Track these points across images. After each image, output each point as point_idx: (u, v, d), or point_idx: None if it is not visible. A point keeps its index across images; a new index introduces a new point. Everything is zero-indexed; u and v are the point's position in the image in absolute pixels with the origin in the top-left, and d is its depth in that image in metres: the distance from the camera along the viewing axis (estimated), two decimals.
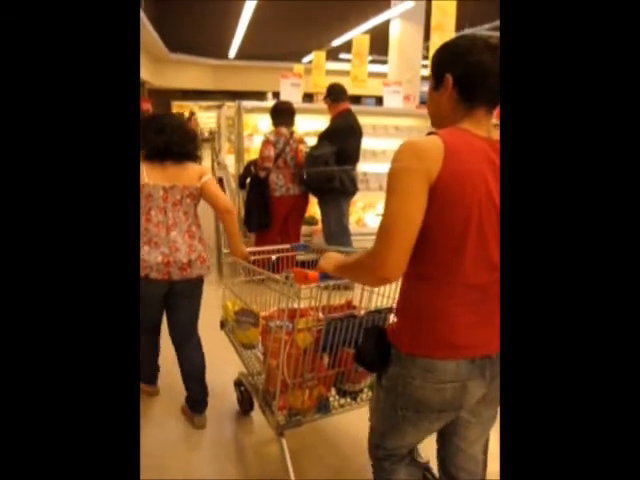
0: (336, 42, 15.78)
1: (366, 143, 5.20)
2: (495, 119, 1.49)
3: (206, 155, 18.12)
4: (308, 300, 2.00)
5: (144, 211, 2.49)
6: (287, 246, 2.78)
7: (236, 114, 5.53)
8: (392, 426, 1.55)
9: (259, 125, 6.28)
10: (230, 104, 12.68)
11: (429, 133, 1.34)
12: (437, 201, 1.27)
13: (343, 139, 4.69)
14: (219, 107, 17.26)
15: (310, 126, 6.01)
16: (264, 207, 4.75)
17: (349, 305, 2.27)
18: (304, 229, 5.29)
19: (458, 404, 1.42)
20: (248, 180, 4.96)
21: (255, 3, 11.77)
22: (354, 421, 2.48)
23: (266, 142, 4.68)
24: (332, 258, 1.65)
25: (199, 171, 2.62)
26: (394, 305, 2.10)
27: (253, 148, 5.81)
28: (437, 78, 1.41)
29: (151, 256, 2.44)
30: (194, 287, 2.65)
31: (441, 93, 1.40)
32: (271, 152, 4.65)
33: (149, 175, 2.50)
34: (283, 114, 4.79)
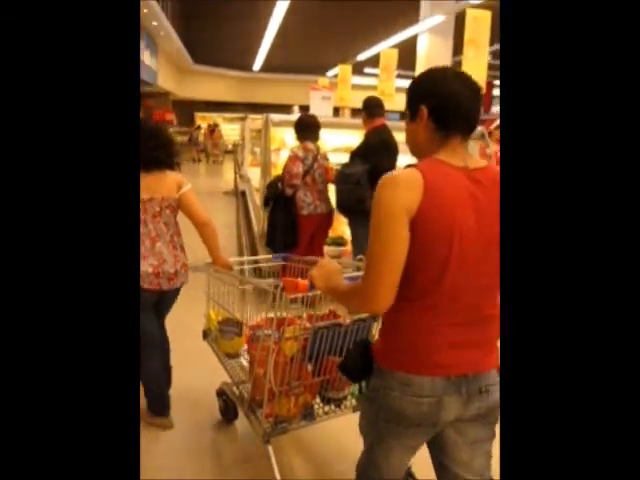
0: (362, 56, 15.98)
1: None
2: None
3: (229, 167, 18.53)
4: (296, 308, 2.11)
5: None
6: (269, 257, 2.89)
7: (263, 127, 5.40)
8: (377, 438, 1.63)
9: (286, 139, 6.17)
10: (254, 117, 12.93)
11: (408, 166, 1.44)
12: (418, 232, 1.36)
13: (377, 157, 4.39)
14: (243, 119, 17.63)
15: (339, 141, 5.91)
16: (290, 226, 4.57)
17: (334, 314, 2.37)
18: (332, 250, 5.25)
19: (435, 419, 1.50)
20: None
21: (282, 16, 12.05)
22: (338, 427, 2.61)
23: (294, 158, 4.52)
24: (324, 276, 1.69)
25: (177, 181, 2.65)
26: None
27: (280, 163, 5.65)
28: (412, 109, 1.50)
29: (141, 267, 2.51)
30: (175, 295, 2.75)
31: (417, 124, 1.49)
32: (299, 168, 4.50)
33: None
34: (309, 128, 4.63)
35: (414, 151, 1.58)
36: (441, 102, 1.44)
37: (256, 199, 6.29)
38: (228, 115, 26.26)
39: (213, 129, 21.47)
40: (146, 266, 2.54)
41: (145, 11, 12.66)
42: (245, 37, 16.12)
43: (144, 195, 2.54)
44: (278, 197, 4.67)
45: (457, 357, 1.47)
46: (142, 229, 2.56)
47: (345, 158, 4.78)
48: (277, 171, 5.31)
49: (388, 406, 1.52)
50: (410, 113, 1.52)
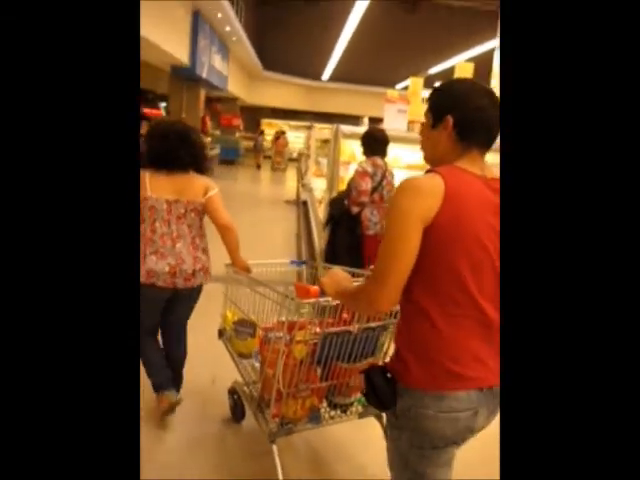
0: (433, 70, 16.00)
1: None
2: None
3: (292, 175, 18.86)
4: (307, 313, 2.23)
5: (149, 222, 2.68)
6: (287, 261, 3.02)
7: (332, 138, 5.24)
8: (415, 470, 1.58)
9: (357, 152, 5.64)
10: (321, 126, 13.09)
11: (428, 171, 1.51)
12: (437, 239, 1.42)
13: None
14: (308, 128, 17.91)
15: (413, 158, 5.62)
16: (355, 246, 4.33)
17: (344, 321, 2.47)
18: None
19: (469, 433, 1.53)
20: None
21: (354, 28, 12.24)
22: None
23: (363, 173, 4.23)
24: (335, 282, 1.78)
25: (205, 185, 2.77)
26: (385, 323, 2.33)
27: (347, 177, 5.30)
28: (437, 117, 1.55)
29: (158, 266, 2.66)
30: (194, 294, 2.89)
31: (440, 132, 1.54)
32: (368, 185, 4.24)
33: (153, 186, 2.67)
34: (378, 142, 4.37)
35: (431, 158, 1.62)
36: (468, 115, 1.49)
37: (319, 212, 6.18)
38: (294, 123, 26.72)
39: (279, 136, 21.88)
40: (163, 265, 2.67)
41: (219, 16, 13.11)
42: (316, 46, 16.48)
43: (170, 196, 2.70)
44: (342, 215, 4.42)
45: (483, 369, 1.50)
46: (165, 229, 2.71)
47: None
48: (342, 185, 5.08)
49: (421, 427, 1.51)
50: (433, 121, 1.57)
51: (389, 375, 1.58)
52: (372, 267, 1.57)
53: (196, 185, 2.77)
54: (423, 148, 1.65)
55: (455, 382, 1.47)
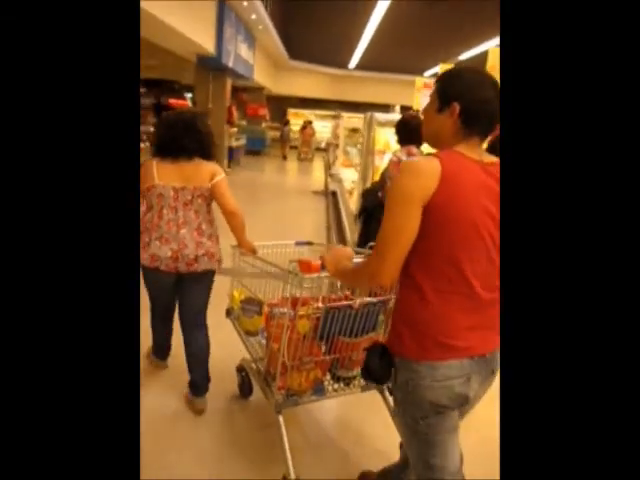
0: (464, 56, 15.88)
1: None
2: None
3: (319, 165, 18.95)
4: (310, 289, 2.36)
5: (157, 209, 2.83)
6: (291, 242, 3.16)
7: (366, 127, 5.18)
8: (426, 441, 1.73)
9: (392, 141, 5.42)
10: (350, 115, 13.01)
11: (428, 154, 1.63)
12: (433, 218, 1.54)
13: None
14: (335, 117, 17.94)
15: None
16: None
17: (347, 297, 2.60)
18: None
19: (465, 399, 1.67)
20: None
21: (382, 15, 12.21)
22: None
23: (397, 163, 4.04)
24: (336, 259, 1.94)
25: (211, 171, 2.89)
26: (385, 298, 2.45)
27: (383, 167, 5.08)
28: (443, 101, 1.65)
29: (161, 251, 2.80)
30: (201, 279, 3.01)
31: (445, 116, 1.64)
32: None
33: (160, 173, 2.81)
34: (413, 130, 4.06)
35: (432, 140, 1.75)
36: (474, 105, 1.61)
37: (350, 204, 6.07)
38: (320, 112, 26.72)
39: (305, 126, 21.96)
40: (166, 250, 2.82)
41: (245, 4, 13.21)
42: (343, 34, 16.47)
43: (176, 183, 2.83)
44: (376, 207, 4.19)
45: (474, 339, 1.64)
46: (172, 215, 2.84)
47: None
48: (376, 176, 4.91)
49: (420, 397, 1.65)
50: (439, 105, 1.67)
51: (387, 350, 1.72)
52: (371, 244, 1.70)
53: (203, 171, 2.88)
54: (425, 128, 1.77)
55: (446, 352, 1.61)
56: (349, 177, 8.59)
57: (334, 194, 9.06)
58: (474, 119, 1.62)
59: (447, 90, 1.66)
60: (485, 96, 1.60)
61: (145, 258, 2.82)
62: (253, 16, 14.73)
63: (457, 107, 1.61)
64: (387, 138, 5.49)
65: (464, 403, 1.68)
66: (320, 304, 2.43)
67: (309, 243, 3.25)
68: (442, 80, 1.70)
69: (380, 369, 1.73)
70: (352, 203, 5.95)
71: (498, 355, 1.69)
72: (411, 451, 1.82)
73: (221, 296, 3.30)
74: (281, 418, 2.51)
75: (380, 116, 5.16)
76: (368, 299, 2.43)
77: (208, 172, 2.89)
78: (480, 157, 1.63)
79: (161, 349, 3.51)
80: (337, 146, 11.89)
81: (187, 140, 2.84)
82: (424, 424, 1.69)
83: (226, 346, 3.39)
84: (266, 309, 2.79)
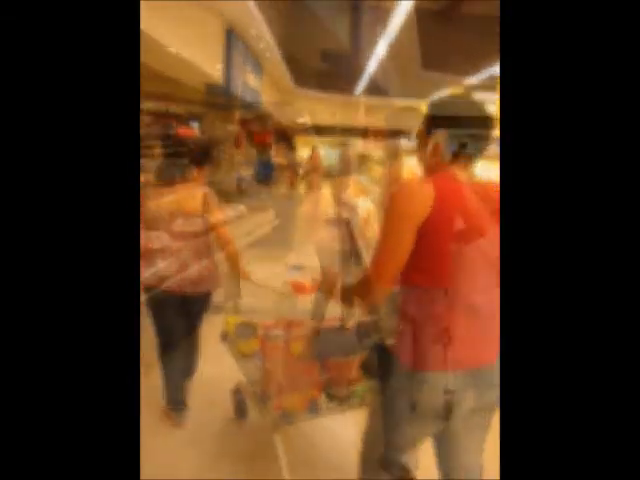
0: (473, 79, 15.94)
1: None
2: None
3: (327, 193, 18.86)
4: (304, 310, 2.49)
5: (154, 231, 2.93)
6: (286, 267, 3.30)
7: (388, 155, 5.20)
8: (392, 418, 1.83)
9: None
10: (363, 141, 12.92)
11: (423, 177, 1.77)
12: (427, 239, 1.65)
13: None
14: (343, 144, 18.00)
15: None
16: None
17: (340, 319, 2.71)
18: None
19: (449, 412, 1.73)
20: None
21: (391, 39, 12.42)
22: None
23: None
24: (330, 279, 2.12)
25: (204, 196, 3.01)
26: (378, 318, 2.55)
27: None
28: (430, 129, 1.78)
29: (163, 272, 2.92)
30: (204, 300, 3.15)
31: (433, 143, 1.77)
32: None
33: (155, 196, 2.94)
34: None
35: (424, 162, 1.86)
36: (460, 134, 1.73)
37: (365, 231, 6.13)
38: (328, 139, 26.76)
39: (313, 152, 22.02)
40: (170, 270, 2.94)
41: (253, 32, 13.45)
42: (349, 60, 16.71)
43: (172, 206, 2.94)
44: None
45: (468, 352, 1.72)
46: (168, 238, 2.95)
47: None
48: None
49: (414, 401, 1.73)
50: (427, 131, 1.80)
51: (387, 351, 1.82)
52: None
53: (196, 195, 3.02)
54: (418, 152, 1.90)
55: (442, 364, 1.69)
56: (361, 205, 8.58)
57: (348, 223, 9.05)
58: (461, 146, 1.74)
59: (434, 118, 1.80)
60: (471, 123, 1.74)
61: (150, 279, 2.93)
62: (261, 45, 15.00)
63: (442, 135, 1.74)
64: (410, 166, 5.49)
65: (449, 417, 1.74)
66: (313, 326, 2.55)
67: (301, 268, 3.38)
68: (431, 107, 1.83)
69: (374, 364, 1.87)
70: (369, 231, 5.94)
71: (497, 368, 1.73)
72: (376, 424, 1.92)
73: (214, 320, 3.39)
74: (278, 438, 2.61)
75: (406, 143, 5.03)
76: (360, 319, 2.54)
77: (201, 196, 3.01)
78: (471, 178, 1.76)
79: (170, 394, 3.33)
80: (347, 173, 11.96)
81: (175, 162, 3.00)
82: (400, 414, 1.78)
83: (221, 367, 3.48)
84: (261, 332, 2.91)
